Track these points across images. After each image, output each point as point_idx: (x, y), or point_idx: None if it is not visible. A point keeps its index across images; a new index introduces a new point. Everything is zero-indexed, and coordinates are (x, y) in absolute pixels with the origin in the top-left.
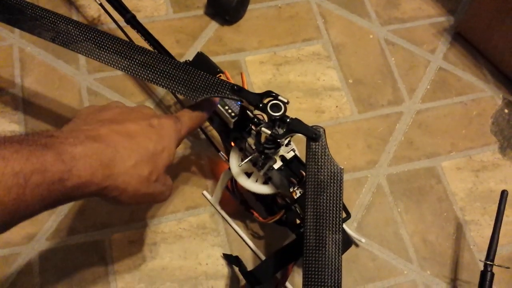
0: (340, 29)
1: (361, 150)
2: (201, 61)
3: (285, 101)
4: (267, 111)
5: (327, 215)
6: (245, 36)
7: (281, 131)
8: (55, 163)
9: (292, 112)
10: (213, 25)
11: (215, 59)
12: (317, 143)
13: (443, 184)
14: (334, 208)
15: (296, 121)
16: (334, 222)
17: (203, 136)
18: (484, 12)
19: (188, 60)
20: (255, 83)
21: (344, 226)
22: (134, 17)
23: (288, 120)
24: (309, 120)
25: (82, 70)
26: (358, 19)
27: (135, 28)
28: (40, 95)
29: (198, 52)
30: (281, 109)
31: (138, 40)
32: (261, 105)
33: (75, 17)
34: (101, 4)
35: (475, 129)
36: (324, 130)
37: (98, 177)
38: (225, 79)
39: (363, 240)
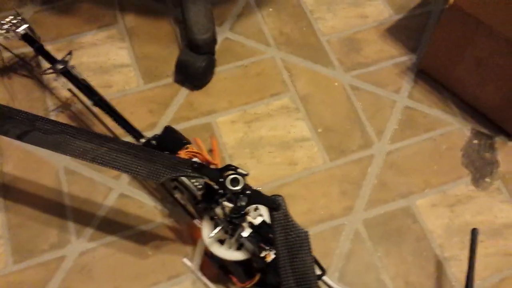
0: (306, 80)
1: (337, 198)
2: (169, 134)
3: (245, 173)
4: (227, 186)
5: (302, 277)
6: (215, 98)
7: (243, 203)
8: None
9: (266, 167)
10: (183, 91)
11: (187, 124)
12: (278, 212)
13: (419, 223)
14: (307, 270)
15: (256, 193)
16: (309, 282)
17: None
18: (444, 48)
19: (157, 134)
20: (228, 143)
21: (326, 279)
22: (101, 99)
23: (248, 192)
24: (283, 173)
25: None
26: (322, 68)
27: (102, 109)
28: (19, 180)
29: (165, 126)
30: (240, 183)
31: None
32: (221, 180)
33: (49, 99)
34: (70, 90)
35: (447, 164)
36: (283, 199)
37: None
38: (194, 148)
39: None
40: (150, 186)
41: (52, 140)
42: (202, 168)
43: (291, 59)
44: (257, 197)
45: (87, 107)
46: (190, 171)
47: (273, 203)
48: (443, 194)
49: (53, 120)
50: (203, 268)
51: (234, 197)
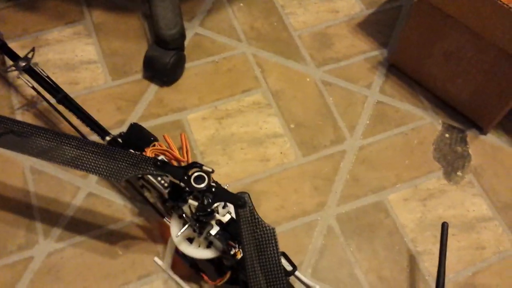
0: (278, 76)
1: (309, 193)
2: (135, 132)
3: (210, 170)
4: (191, 184)
5: (271, 274)
6: (185, 95)
7: (208, 201)
8: None
9: (237, 164)
10: (153, 87)
11: (157, 121)
12: (244, 209)
13: (392, 217)
14: (275, 266)
15: (222, 190)
16: (278, 279)
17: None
18: (414, 43)
19: (123, 132)
20: (199, 140)
21: (298, 274)
22: (65, 96)
23: (213, 190)
24: (255, 169)
25: None
26: (294, 64)
27: (66, 107)
28: None
29: (131, 123)
30: (205, 181)
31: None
32: (185, 178)
33: (14, 97)
34: (33, 87)
35: (418, 158)
36: (249, 195)
37: None
38: (162, 145)
39: (317, 287)
40: (119, 185)
41: (10, 139)
42: (165, 166)
43: (262, 55)
44: (222, 195)
45: (52, 105)
46: (153, 169)
47: (239, 200)
48: (415, 189)
49: (11, 118)
50: (174, 267)
51: (199, 195)
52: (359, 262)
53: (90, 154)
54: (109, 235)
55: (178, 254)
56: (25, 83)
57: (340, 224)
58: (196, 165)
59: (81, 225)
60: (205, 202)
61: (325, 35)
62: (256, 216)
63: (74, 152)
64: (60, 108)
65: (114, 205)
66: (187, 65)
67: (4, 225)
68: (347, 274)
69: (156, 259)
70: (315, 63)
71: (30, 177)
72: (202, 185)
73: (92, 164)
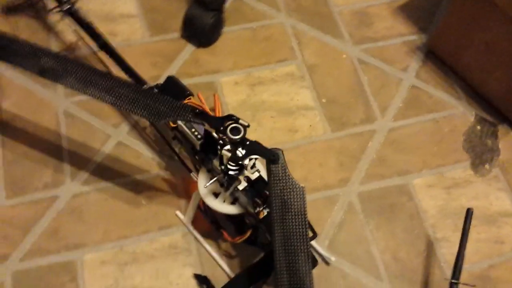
0: (314, 50)
1: (333, 168)
2: (171, 85)
3: (246, 124)
4: (227, 134)
5: (294, 233)
6: (221, 58)
7: (241, 153)
8: None
9: (266, 132)
10: (189, 47)
11: (191, 81)
12: (276, 165)
13: (414, 201)
14: (300, 226)
15: (255, 143)
16: (301, 239)
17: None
18: (454, 31)
19: (159, 83)
20: (230, 103)
21: (315, 244)
22: (106, 43)
23: (247, 142)
24: (283, 139)
25: (59, 94)
26: (331, 39)
27: (108, 53)
28: (18, 118)
29: (168, 76)
30: (240, 132)
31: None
32: (221, 128)
33: (53, 42)
34: (76, 31)
35: (447, 146)
36: (283, 152)
37: None
38: (196, 101)
39: (332, 259)
40: (149, 138)
41: (53, 70)
42: (203, 115)
43: (301, 27)
44: (256, 148)
45: (93, 51)
46: (191, 116)
47: (272, 155)
48: (441, 176)
49: (59, 54)
50: (194, 223)
51: (233, 146)
52: (376, 240)
53: (133, 94)
54: (134, 184)
55: (200, 210)
56: (68, 26)
57: (361, 201)
58: (233, 117)
59: (108, 172)
60: (239, 154)
61: (366, 14)
62: (287, 173)
63: (117, 91)
64: (100, 55)
65: (142, 156)
66: (225, 29)
67: (32, 163)
68: (363, 251)
69: (178, 212)
70: (353, 40)
71: (63, 120)
72: (238, 137)
73: (134, 103)
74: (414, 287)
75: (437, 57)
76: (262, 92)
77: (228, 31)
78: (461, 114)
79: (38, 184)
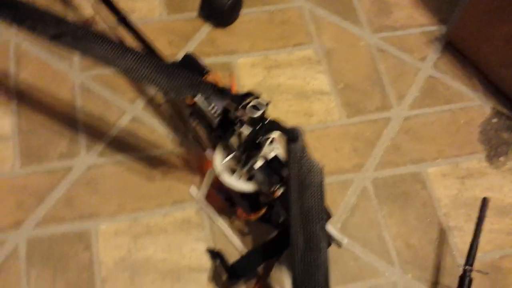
0: (332, 35)
1: (348, 154)
2: (188, 62)
3: (266, 102)
4: (247, 110)
5: (311, 211)
6: (238, 39)
7: (260, 131)
8: None
9: (281, 114)
10: (206, 27)
11: (207, 61)
12: (296, 143)
13: (428, 190)
14: (318, 205)
15: (275, 122)
16: (318, 217)
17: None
18: (475, 23)
19: (176, 61)
20: (246, 85)
21: (328, 226)
22: (125, 18)
23: (266, 120)
24: (297, 122)
25: (75, 67)
26: (350, 25)
27: (126, 27)
28: (34, 89)
29: (185, 54)
30: (260, 110)
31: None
32: (242, 105)
33: (71, 16)
34: (93, 5)
35: (462, 137)
36: (303, 130)
37: None
38: (213, 79)
39: (345, 240)
40: (164, 114)
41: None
42: (224, 91)
43: (319, 12)
44: (275, 126)
45: (111, 26)
46: (212, 91)
47: (291, 133)
48: (455, 166)
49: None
50: (208, 200)
51: (252, 123)
52: (389, 226)
53: (154, 67)
54: (149, 159)
55: (214, 188)
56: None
57: (375, 187)
58: (253, 94)
59: (123, 146)
60: (257, 131)
61: (385, 2)
62: (306, 152)
63: (137, 63)
64: (116, 31)
65: (157, 132)
66: (243, 11)
67: (48, 133)
68: (375, 235)
69: (192, 188)
70: (371, 28)
71: (79, 93)
72: (258, 114)
73: (155, 76)
74: (426, 273)
75: (456, 48)
76: (278, 75)
77: (246, 13)
78: (477, 106)
79: (53, 154)
